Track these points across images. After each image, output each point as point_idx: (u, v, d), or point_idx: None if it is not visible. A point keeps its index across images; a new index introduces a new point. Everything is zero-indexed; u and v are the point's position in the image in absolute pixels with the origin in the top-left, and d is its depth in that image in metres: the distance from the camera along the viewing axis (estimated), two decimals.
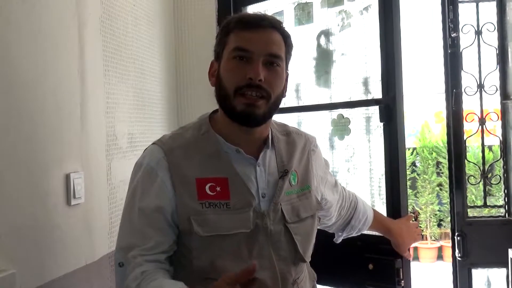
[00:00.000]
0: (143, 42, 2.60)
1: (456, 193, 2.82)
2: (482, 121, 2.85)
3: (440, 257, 9.68)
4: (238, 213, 1.43)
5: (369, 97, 2.46)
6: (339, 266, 1.94)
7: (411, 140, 10.30)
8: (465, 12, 2.80)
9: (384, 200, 2.40)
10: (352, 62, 2.60)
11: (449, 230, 8.93)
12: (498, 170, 2.97)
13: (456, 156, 2.81)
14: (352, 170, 2.63)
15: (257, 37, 1.42)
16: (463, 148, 2.82)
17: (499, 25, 2.80)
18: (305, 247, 1.54)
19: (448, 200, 2.83)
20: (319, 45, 2.72)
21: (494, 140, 3.01)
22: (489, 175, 2.92)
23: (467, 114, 2.84)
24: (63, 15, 1.93)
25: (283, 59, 1.46)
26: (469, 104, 2.86)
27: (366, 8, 2.50)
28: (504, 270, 2.79)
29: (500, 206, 2.98)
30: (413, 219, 2.25)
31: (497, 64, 2.81)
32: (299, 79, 2.79)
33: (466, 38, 2.80)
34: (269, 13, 2.80)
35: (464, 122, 2.80)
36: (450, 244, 2.94)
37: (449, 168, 2.88)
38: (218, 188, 1.43)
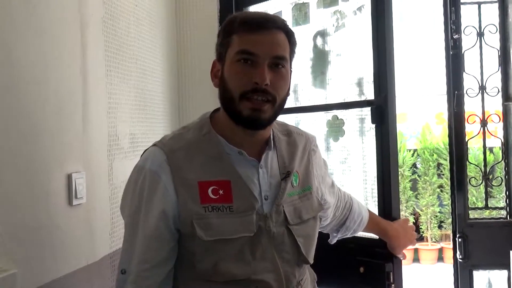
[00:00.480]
0: (145, 42, 2.60)
1: (458, 194, 2.82)
2: (483, 123, 2.85)
3: (440, 258, 9.66)
4: (241, 217, 1.41)
5: (363, 98, 2.44)
6: (331, 269, 1.92)
7: (412, 141, 10.30)
8: (467, 14, 2.80)
9: (377, 202, 2.39)
10: (347, 63, 2.59)
11: (449, 232, 8.94)
12: (499, 172, 2.97)
13: (457, 158, 2.81)
14: (347, 172, 2.62)
15: (262, 39, 1.39)
16: (465, 150, 2.82)
17: (501, 27, 2.80)
18: (308, 249, 1.53)
19: (449, 201, 2.83)
20: (315, 46, 2.72)
21: (495, 141, 3.01)
22: (490, 177, 2.92)
23: (469, 116, 2.84)
24: (65, 16, 1.93)
25: (288, 60, 1.45)
26: (471, 105, 2.86)
27: (359, 8, 2.48)
28: (505, 272, 2.79)
29: (501, 208, 2.98)
30: (414, 221, 2.24)
31: (499, 66, 2.81)
32: (297, 80, 2.78)
33: (468, 40, 2.80)
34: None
35: (466, 124, 2.81)
36: (450, 246, 2.95)
37: (451, 170, 2.88)
38: (221, 191, 1.41)
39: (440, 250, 9.71)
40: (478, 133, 2.89)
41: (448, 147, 2.97)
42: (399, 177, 9.60)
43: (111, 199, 2.19)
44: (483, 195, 3.00)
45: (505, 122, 2.85)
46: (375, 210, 2.32)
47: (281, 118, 2.66)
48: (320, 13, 2.69)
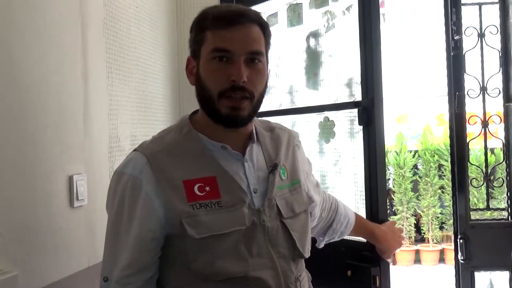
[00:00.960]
0: (146, 44, 2.60)
1: (459, 195, 2.81)
2: (485, 124, 2.85)
3: (442, 260, 9.66)
4: (231, 211, 1.39)
5: (353, 99, 2.40)
6: (320, 271, 1.88)
7: (413, 143, 10.29)
8: (468, 15, 2.80)
9: (364, 204, 2.36)
10: (338, 64, 2.56)
11: (451, 233, 8.93)
12: (500, 173, 2.97)
13: (459, 159, 2.81)
14: (338, 174, 2.59)
15: (236, 35, 1.36)
16: (466, 151, 2.82)
17: (502, 28, 2.80)
18: (303, 243, 1.51)
19: (450, 202, 2.83)
20: (308, 47, 2.70)
21: (496, 142, 3.01)
22: (491, 178, 2.92)
23: (470, 117, 2.84)
24: (66, 17, 1.93)
25: (264, 54, 1.42)
26: (472, 106, 2.86)
27: (348, 8, 2.44)
28: (507, 273, 2.79)
29: (502, 209, 2.98)
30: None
31: (500, 67, 2.81)
32: (293, 81, 2.76)
33: (469, 41, 2.80)
34: (266, 15, 2.79)
35: (467, 125, 2.80)
36: (452, 247, 2.94)
37: (452, 171, 2.88)
38: (207, 188, 1.38)
39: (442, 251, 9.70)
40: (479, 134, 2.88)
41: (449, 148, 2.97)
42: (400, 178, 9.74)
43: None
44: (485, 196, 2.99)
45: (506, 123, 2.85)
46: (364, 213, 2.31)
47: (277, 119, 2.66)
48: (312, 13, 2.67)
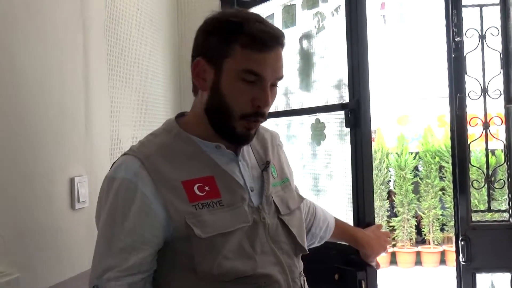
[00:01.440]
0: (147, 46, 2.60)
1: (460, 197, 2.81)
2: (486, 125, 2.85)
3: (443, 261, 9.66)
4: (233, 209, 1.37)
5: (342, 101, 2.38)
6: (309, 274, 1.81)
7: (414, 144, 10.31)
8: (469, 16, 2.80)
9: (352, 207, 2.32)
10: (328, 65, 2.54)
11: (452, 235, 8.94)
12: (501, 174, 2.97)
13: (459, 161, 2.81)
14: (329, 177, 2.57)
15: (268, 60, 1.34)
16: (467, 153, 2.82)
17: (503, 29, 2.80)
18: (302, 238, 1.51)
19: (451, 204, 2.83)
20: (301, 48, 2.69)
21: (497, 144, 3.01)
22: (492, 179, 2.92)
23: (471, 119, 2.84)
24: (68, 20, 1.93)
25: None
26: (473, 108, 2.86)
27: (336, 9, 2.41)
28: (508, 274, 2.79)
29: (503, 211, 2.98)
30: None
31: (501, 68, 2.81)
32: (288, 83, 2.75)
33: (470, 43, 2.80)
34: (263, 16, 2.79)
35: (468, 126, 2.80)
36: (453, 249, 2.94)
37: (453, 173, 2.88)
38: (206, 188, 1.36)
39: (443, 253, 9.71)
40: (480, 136, 2.88)
41: (450, 149, 2.97)
42: (401, 180, 9.74)
43: None
44: (486, 197, 2.99)
45: (507, 124, 2.85)
46: (351, 216, 2.28)
47: (273, 121, 2.64)
48: (305, 15, 2.66)
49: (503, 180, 2.88)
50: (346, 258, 2.18)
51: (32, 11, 1.72)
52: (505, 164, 2.87)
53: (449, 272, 7.88)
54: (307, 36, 2.65)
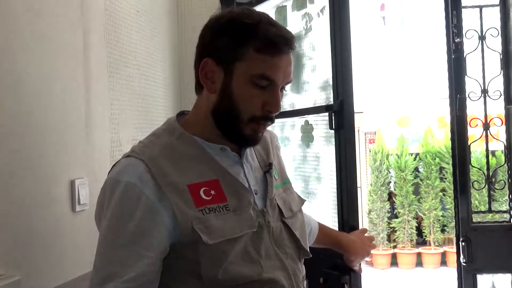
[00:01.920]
0: (147, 48, 2.60)
1: (461, 198, 2.81)
2: (486, 126, 2.85)
3: (443, 262, 9.66)
4: (239, 214, 1.34)
5: (328, 102, 2.36)
6: None
7: (414, 145, 10.31)
8: (469, 17, 2.81)
9: (336, 210, 2.30)
10: (315, 66, 2.52)
11: (452, 236, 8.94)
12: (502, 175, 2.97)
13: (460, 162, 2.81)
14: (318, 179, 2.55)
15: (281, 65, 1.33)
16: (467, 153, 2.82)
17: (502, 30, 2.80)
18: (305, 242, 1.49)
19: (452, 205, 2.83)
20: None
21: (497, 145, 3.01)
22: (493, 180, 2.92)
23: (471, 119, 2.84)
24: (68, 23, 1.93)
25: None
26: (473, 109, 2.86)
27: (322, 10, 2.40)
28: (509, 275, 2.79)
29: (504, 212, 2.98)
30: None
31: (501, 69, 2.81)
32: None
33: (470, 43, 2.81)
34: None
35: (468, 127, 2.81)
36: (453, 250, 2.94)
37: (453, 174, 2.88)
38: (212, 192, 1.32)
39: (443, 254, 9.71)
40: (481, 137, 2.89)
41: (450, 150, 2.97)
42: (402, 181, 9.75)
43: None
44: (486, 198, 2.99)
45: (507, 125, 2.85)
46: (336, 219, 2.26)
47: None
48: (294, 16, 2.65)
49: (504, 181, 2.88)
50: (332, 262, 2.13)
51: (33, 14, 1.72)
52: (505, 165, 2.87)
53: (450, 273, 7.87)
54: (297, 37, 2.64)
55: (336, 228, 2.26)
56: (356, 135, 11.66)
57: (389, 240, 10.13)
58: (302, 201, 1.59)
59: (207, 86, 1.38)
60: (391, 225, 10.07)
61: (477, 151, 7.20)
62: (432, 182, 9.72)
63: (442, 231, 9.88)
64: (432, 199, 9.72)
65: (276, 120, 2.76)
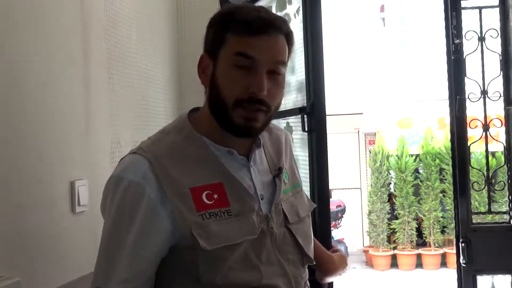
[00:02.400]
0: (147, 49, 2.60)
1: (460, 199, 2.81)
2: (486, 127, 2.85)
3: (443, 264, 9.67)
4: (241, 220, 1.31)
5: (303, 104, 2.31)
6: None
7: (414, 147, 10.31)
8: (468, 19, 2.81)
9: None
10: (293, 68, 2.49)
11: (452, 237, 8.94)
12: (502, 176, 2.97)
13: (460, 163, 2.81)
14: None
15: (262, 44, 1.28)
16: (467, 155, 2.82)
17: (502, 31, 2.81)
18: (308, 248, 1.46)
19: (452, 206, 2.83)
20: None
21: (497, 146, 3.01)
22: (493, 181, 2.93)
23: (471, 121, 2.85)
24: (68, 23, 1.93)
25: (286, 64, 1.37)
26: (473, 110, 2.86)
27: (297, 11, 2.38)
28: (509, 276, 2.79)
29: (504, 213, 2.98)
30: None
31: (500, 70, 2.82)
32: None
33: (469, 45, 2.81)
34: None
35: (468, 129, 2.81)
36: (453, 251, 2.94)
37: (453, 175, 2.88)
38: (215, 196, 1.30)
39: (443, 255, 9.72)
40: (480, 138, 2.89)
41: (450, 152, 2.97)
42: (402, 182, 9.75)
43: None
44: (486, 199, 2.99)
45: (507, 126, 2.86)
46: None
47: None
48: None
49: (504, 182, 2.88)
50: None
51: (32, 15, 1.72)
52: (505, 166, 2.87)
53: (450, 274, 7.87)
54: None
55: None
56: (356, 136, 11.64)
57: (389, 241, 10.14)
58: (311, 206, 1.56)
59: (202, 81, 1.38)
60: (391, 226, 10.07)
61: (477, 152, 7.20)
62: (432, 183, 9.72)
63: (442, 232, 9.88)
64: (432, 200, 9.73)
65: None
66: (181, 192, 1.28)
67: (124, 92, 2.33)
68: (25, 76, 1.67)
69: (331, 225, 9.14)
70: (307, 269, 1.50)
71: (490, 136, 2.88)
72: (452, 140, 2.87)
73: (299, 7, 2.35)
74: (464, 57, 2.77)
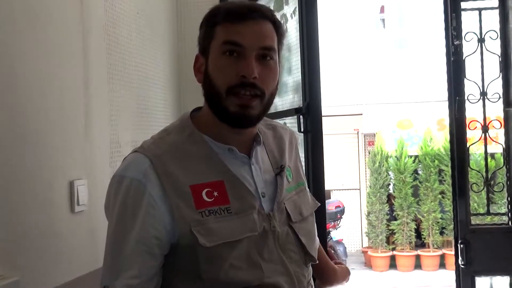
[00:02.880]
0: (146, 49, 2.60)
1: (459, 200, 2.81)
2: (485, 129, 2.86)
3: (442, 265, 9.67)
4: (241, 217, 1.32)
5: (300, 105, 2.32)
6: None
7: (413, 148, 10.32)
8: (468, 20, 2.81)
9: None
10: (291, 68, 2.51)
11: (451, 238, 8.94)
12: (501, 177, 2.97)
13: (459, 164, 2.81)
14: None
15: (248, 29, 1.31)
16: (466, 156, 2.82)
17: (502, 33, 2.81)
18: (311, 247, 1.46)
19: (451, 207, 2.83)
20: None
21: (496, 147, 3.01)
22: (492, 183, 2.93)
23: (470, 122, 2.85)
24: (67, 24, 1.93)
25: (276, 51, 1.37)
26: (472, 111, 2.87)
27: (294, 11, 2.40)
28: (507, 278, 2.79)
29: (503, 214, 2.98)
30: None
31: (500, 72, 2.82)
32: None
33: (469, 46, 2.81)
34: None
35: (467, 130, 2.81)
36: (452, 252, 2.94)
37: (452, 176, 2.88)
38: (215, 193, 1.31)
39: (442, 257, 9.72)
40: (480, 139, 2.89)
41: (449, 153, 2.98)
42: (401, 183, 9.75)
43: None
44: (485, 201, 3.00)
45: (506, 128, 2.86)
46: None
47: None
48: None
49: (502, 183, 2.88)
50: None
51: (31, 15, 1.72)
52: (504, 167, 2.87)
53: (449, 275, 7.89)
54: None
55: None
56: (356, 137, 11.62)
57: (388, 242, 10.14)
58: (315, 205, 1.56)
59: (198, 79, 1.40)
60: (390, 227, 10.08)
61: (476, 153, 7.19)
62: (431, 185, 9.72)
63: (441, 233, 9.89)
64: (431, 202, 9.73)
65: None
66: (181, 190, 1.29)
67: (124, 92, 2.34)
68: (24, 76, 1.67)
69: (330, 225, 9.15)
70: (310, 268, 1.50)
71: (489, 137, 2.88)
72: (451, 142, 2.87)
73: (296, 7, 2.36)
74: (463, 58, 2.77)
